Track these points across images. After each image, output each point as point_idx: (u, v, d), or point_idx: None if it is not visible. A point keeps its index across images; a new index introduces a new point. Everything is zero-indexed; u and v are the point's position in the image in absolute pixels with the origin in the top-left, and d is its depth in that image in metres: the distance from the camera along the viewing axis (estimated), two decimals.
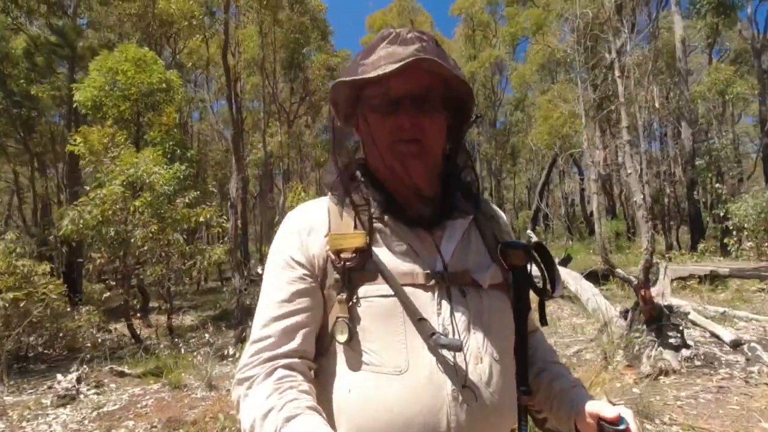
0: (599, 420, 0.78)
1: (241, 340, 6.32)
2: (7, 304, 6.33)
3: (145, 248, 7.01)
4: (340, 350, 0.81)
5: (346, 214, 0.85)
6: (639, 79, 18.27)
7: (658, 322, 4.70)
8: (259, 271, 12.59)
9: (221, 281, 18.83)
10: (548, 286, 0.88)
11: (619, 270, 5.38)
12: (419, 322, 0.77)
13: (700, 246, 14.70)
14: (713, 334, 5.64)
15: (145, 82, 9.72)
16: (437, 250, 0.83)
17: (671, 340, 4.72)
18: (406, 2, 37.27)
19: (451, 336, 0.78)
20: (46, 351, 7.55)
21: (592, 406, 0.80)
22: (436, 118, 0.83)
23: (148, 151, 9.11)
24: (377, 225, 0.84)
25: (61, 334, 7.56)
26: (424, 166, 0.83)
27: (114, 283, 7.69)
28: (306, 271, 0.83)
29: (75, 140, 9.70)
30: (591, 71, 18.05)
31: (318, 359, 0.84)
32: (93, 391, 5.31)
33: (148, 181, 7.19)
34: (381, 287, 0.79)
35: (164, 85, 10.01)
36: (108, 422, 4.37)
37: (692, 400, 3.87)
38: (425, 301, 0.79)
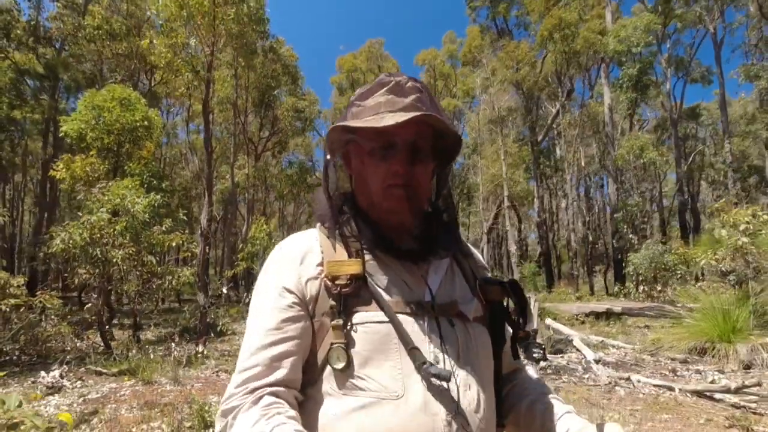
0: None
1: (204, 344, 7.49)
2: None
3: (124, 267, 8.15)
4: (331, 377, 0.80)
5: (338, 245, 0.87)
6: (572, 139, 20.88)
7: (525, 342, 6.27)
8: (224, 291, 13.64)
9: (179, 302, 19.52)
10: (521, 320, 0.95)
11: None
12: (412, 350, 0.78)
13: (615, 288, 16.86)
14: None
15: (129, 119, 10.95)
16: (425, 282, 0.86)
17: (535, 355, 6.29)
18: (374, 48, 39.96)
19: (441, 365, 0.80)
20: (22, 356, 8.41)
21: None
22: (427, 165, 0.88)
23: (127, 180, 10.26)
24: (367, 256, 0.86)
25: (35, 341, 8.46)
26: (412, 208, 0.87)
27: (88, 298, 8.71)
28: (296, 299, 0.84)
29: (58, 167, 10.79)
30: (531, 132, 20.50)
31: (305, 388, 0.84)
32: (77, 384, 6.34)
33: (130, 209, 8.38)
34: (377, 314, 0.81)
35: (146, 122, 11.26)
36: (93, 405, 5.48)
37: None
38: (417, 330, 0.81)
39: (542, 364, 6.26)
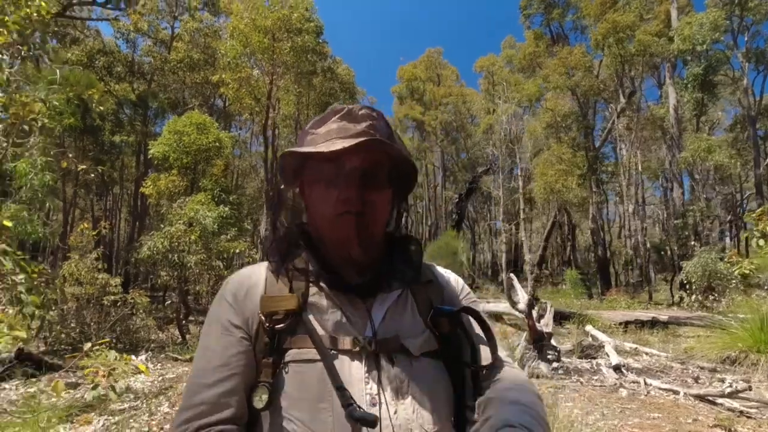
0: None
1: None
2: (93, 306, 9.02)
3: (196, 270, 9.60)
4: (266, 417, 0.78)
5: (282, 279, 0.85)
6: (631, 143, 20.34)
7: (540, 343, 6.76)
8: None
9: None
10: (482, 356, 0.86)
11: (519, 305, 7.49)
12: (338, 390, 0.74)
13: (675, 297, 16.26)
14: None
15: (203, 141, 12.64)
16: (369, 316, 0.82)
17: (549, 356, 6.77)
18: (433, 57, 40.73)
19: (377, 407, 0.76)
20: (117, 343, 10.15)
21: None
22: (381, 192, 0.85)
23: (200, 195, 11.87)
24: (312, 290, 0.84)
25: (128, 331, 10.18)
26: (365, 237, 0.83)
27: (169, 297, 10.31)
28: (242, 334, 0.82)
29: (147, 184, 12.66)
30: (586, 137, 20.22)
31: (249, 427, 0.81)
32: (158, 366, 7.75)
33: (202, 221, 9.83)
34: (309, 351, 0.78)
35: (217, 143, 12.91)
36: (170, 383, 6.78)
37: (544, 393, 5.95)
38: (353, 369, 0.78)
39: (555, 365, 6.73)
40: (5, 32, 3.72)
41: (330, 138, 0.82)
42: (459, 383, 0.86)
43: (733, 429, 4.61)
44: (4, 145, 3.76)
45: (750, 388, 5.38)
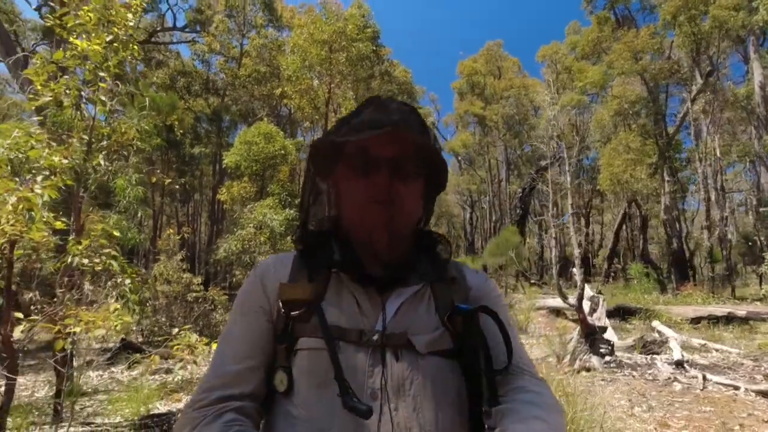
0: None
1: None
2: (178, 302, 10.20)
3: None
4: (280, 400, 0.82)
5: (306, 267, 0.88)
6: (709, 127, 18.97)
7: (592, 336, 6.77)
8: None
9: None
10: (501, 358, 0.83)
11: (569, 300, 7.51)
12: (337, 380, 0.75)
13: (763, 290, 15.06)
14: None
15: (270, 149, 13.66)
16: (382, 309, 0.83)
17: (601, 350, 6.77)
18: (493, 50, 40.01)
19: (378, 401, 0.76)
20: (201, 336, 11.36)
21: None
22: (410, 184, 0.85)
23: (269, 200, 12.84)
24: (333, 280, 0.86)
25: (209, 325, 11.33)
26: (392, 228, 0.84)
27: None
28: (266, 317, 0.86)
29: (222, 191, 13.87)
30: (656, 123, 19.12)
31: (266, 406, 0.85)
32: None
33: (270, 224, 10.71)
34: (318, 341, 0.79)
35: (282, 151, 13.90)
36: None
37: (594, 384, 6.04)
38: (358, 361, 0.79)
39: (607, 359, 6.74)
40: (108, 79, 4.53)
41: (361, 128, 0.83)
42: (476, 386, 0.83)
43: None
44: (107, 165, 4.58)
45: None
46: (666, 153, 18.31)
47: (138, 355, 7.22)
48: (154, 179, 6.16)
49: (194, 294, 9.62)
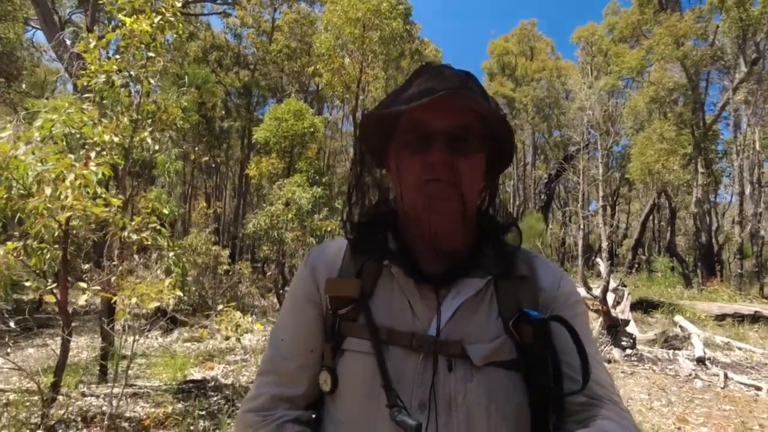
0: None
1: None
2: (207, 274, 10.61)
3: (293, 246, 10.76)
4: (326, 400, 0.79)
5: (357, 260, 0.81)
6: (748, 118, 18.28)
7: (614, 329, 6.82)
8: None
9: None
10: (568, 376, 0.73)
11: (593, 291, 7.54)
12: (384, 389, 0.70)
13: None
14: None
15: (300, 126, 13.81)
16: (437, 310, 0.75)
17: (623, 342, 6.83)
18: (526, 29, 38.90)
19: (426, 412, 0.70)
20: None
21: None
22: (472, 158, 0.75)
23: (297, 176, 13.04)
24: (384, 275, 0.78)
25: (235, 297, 11.75)
26: (453, 211, 0.74)
27: (268, 268, 11.69)
28: (317, 311, 0.82)
29: (250, 166, 14.13)
30: (694, 113, 18.46)
31: (317, 406, 0.83)
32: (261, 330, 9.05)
33: (298, 201, 10.93)
34: (364, 343, 0.74)
35: (312, 128, 14.03)
36: None
37: (614, 377, 6.12)
38: (407, 368, 0.73)
39: (628, 351, 6.80)
40: (159, 59, 4.68)
41: (413, 98, 0.72)
42: (542, 405, 0.74)
43: None
44: (153, 143, 4.78)
45: None
46: (702, 144, 17.75)
47: (173, 325, 7.58)
48: (193, 156, 6.36)
49: (224, 267, 9.95)
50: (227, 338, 3.56)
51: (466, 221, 0.79)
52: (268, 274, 11.30)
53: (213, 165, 17.73)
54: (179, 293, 3.17)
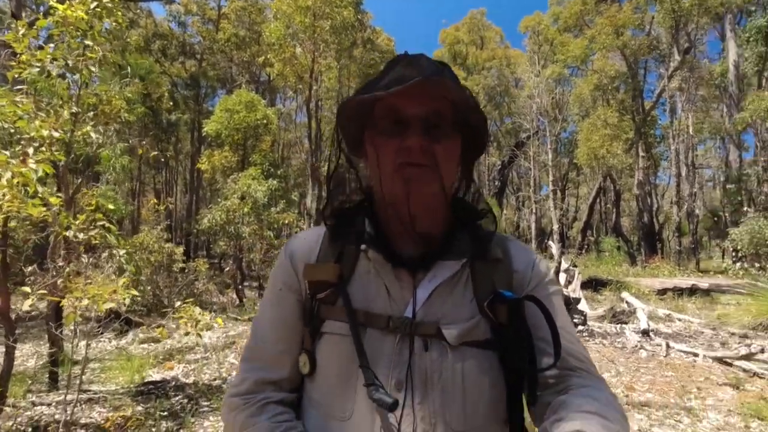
0: None
1: None
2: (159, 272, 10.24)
3: (250, 240, 10.56)
4: (305, 383, 0.82)
5: (335, 245, 0.83)
6: (683, 104, 19.46)
7: (566, 307, 7.15)
8: None
9: None
10: (542, 352, 0.76)
11: None
12: (361, 369, 0.72)
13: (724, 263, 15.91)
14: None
15: (252, 118, 13.46)
16: (413, 292, 0.77)
17: (575, 320, 7.20)
18: (476, 19, 39.55)
19: (402, 392, 0.72)
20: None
21: None
22: (447, 144, 0.77)
23: (251, 170, 12.75)
24: (362, 260, 0.80)
25: (193, 295, 11.42)
26: (429, 194, 0.76)
27: (225, 264, 11.41)
28: (296, 296, 0.83)
29: (202, 160, 13.68)
30: (634, 99, 19.49)
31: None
32: (221, 326, 8.83)
33: (254, 195, 10.71)
34: (342, 325, 0.76)
35: (265, 120, 13.71)
36: (233, 339, 7.80)
37: None
38: (384, 349, 0.75)
39: (579, 328, 7.17)
40: (96, 47, 4.43)
41: (389, 86, 0.73)
42: (517, 382, 0.77)
43: (741, 387, 4.97)
44: (97, 137, 4.54)
45: (763, 351, 5.64)
46: (642, 129, 18.78)
47: (127, 326, 7.29)
48: (141, 151, 6.09)
49: (179, 264, 9.64)
50: (187, 334, 3.46)
51: (441, 205, 0.80)
52: (226, 269, 11.05)
53: (162, 159, 17.03)
54: (134, 293, 3.05)
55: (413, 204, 0.76)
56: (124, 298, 2.89)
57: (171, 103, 16.09)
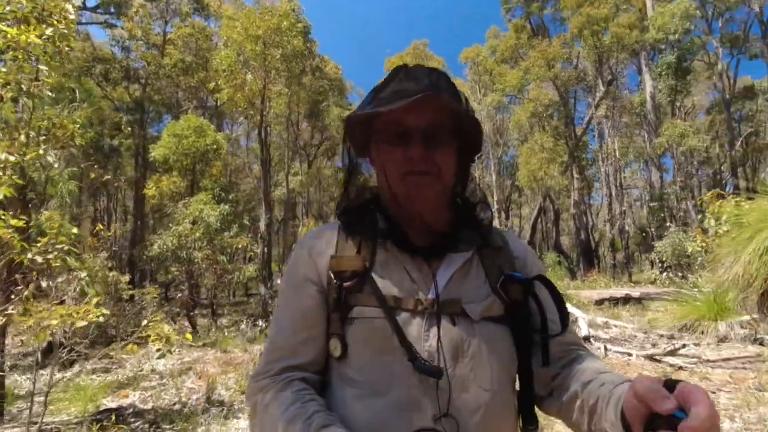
0: (650, 414, 0.59)
1: (262, 330, 9.63)
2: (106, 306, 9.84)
3: (203, 265, 10.39)
4: (336, 365, 0.86)
5: (352, 239, 0.90)
6: (610, 130, 21.23)
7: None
8: (278, 282, 15.95)
9: (247, 296, 22.32)
10: (551, 323, 0.86)
11: None
12: (403, 345, 0.79)
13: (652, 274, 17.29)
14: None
15: (202, 144, 13.36)
16: (433, 278, 0.85)
17: None
18: (419, 49, 41.30)
19: (436, 362, 0.79)
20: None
21: (642, 388, 0.60)
22: (445, 151, 0.86)
23: (202, 195, 12.60)
24: (380, 251, 0.88)
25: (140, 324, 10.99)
26: (433, 197, 0.87)
27: (177, 292, 11.12)
28: (317, 288, 0.88)
29: (149, 185, 13.36)
30: (566, 126, 21.09)
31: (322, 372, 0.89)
32: (174, 353, 8.57)
33: (206, 219, 10.60)
34: (373, 310, 0.82)
35: (215, 145, 13.64)
36: (188, 365, 7.62)
37: None
38: (414, 327, 0.82)
39: None
40: (51, 72, 4.45)
41: (391, 99, 0.83)
42: (526, 351, 0.87)
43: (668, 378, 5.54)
44: (54, 161, 4.51)
45: (684, 346, 6.34)
46: (574, 153, 20.28)
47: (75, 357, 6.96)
48: (93, 175, 6.02)
49: (128, 293, 9.31)
50: (158, 350, 3.49)
51: (444, 205, 0.92)
52: (178, 296, 10.75)
53: (116, 184, 16.31)
54: (105, 311, 3.08)
55: (419, 204, 0.86)
56: (98, 317, 2.92)
57: (113, 128, 15.61)
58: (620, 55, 22.10)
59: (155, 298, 10.51)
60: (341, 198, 0.97)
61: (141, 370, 7.13)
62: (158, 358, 8.59)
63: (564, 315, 0.86)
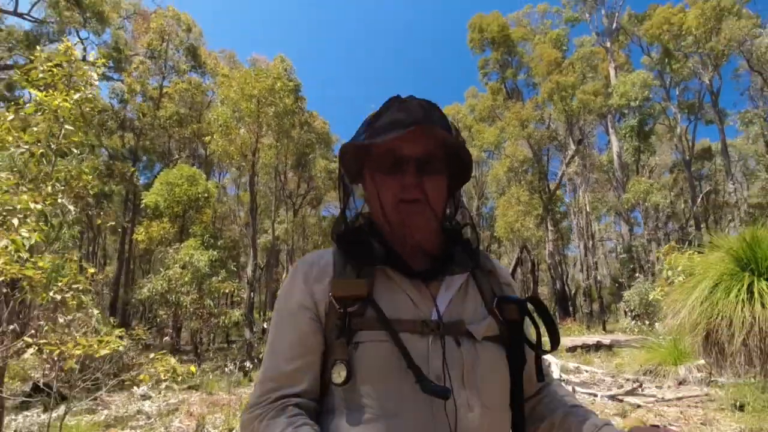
0: None
1: (247, 372, 9.85)
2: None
3: (190, 309, 10.71)
4: (338, 392, 0.84)
5: (350, 264, 0.89)
6: (580, 186, 22.51)
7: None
8: (265, 326, 16.07)
9: (227, 342, 22.16)
10: (552, 339, 0.91)
11: None
12: (410, 368, 0.78)
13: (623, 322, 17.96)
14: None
15: (193, 192, 13.95)
16: (433, 301, 0.86)
17: None
18: None
19: (442, 382, 0.80)
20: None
21: None
22: (437, 179, 0.89)
23: (192, 240, 13.03)
24: (379, 275, 0.88)
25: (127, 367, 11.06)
26: (425, 224, 0.88)
27: (162, 334, 11.32)
28: (312, 314, 0.87)
29: (139, 231, 13.75)
30: (540, 181, 22.36)
31: (320, 399, 0.87)
32: (160, 395, 8.73)
33: (195, 264, 11.02)
34: (378, 333, 0.82)
35: (206, 193, 14.25)
36: (174, 406, 7.82)
37: None
38: (419, 349, 0.81)
39: None
40: (79, 132, 5.09)
41: (386, 130, 0.85)
42: (518, 370, 0.90)
43: (626, 415, 6.07)
44: (75, 210, 5.05)
45: (641, 386, 6.90)
46: (549, 206, 21.39)
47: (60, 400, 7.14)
48: (99, 221, 6.52)
49: (117, 334, 9.51)
50: (165, 380, 3.91)
51: (437, 230, 0.94)
52: (165, 338, 10.95)
53: (120, 229, 16.54)
54: (123, 343, 3.54)
55: (413, 230, 0.89)
56: (118, 347, 3.39)
57: (106, 175, 16.07)
58: (588, 117, 23.89)
59: (143, 339, 10.69)
60: (336, 224, 0.98)
61: (126, 411, 7.32)
62: (144, 399, 8.77)
63: (556, 335, 0.91)
